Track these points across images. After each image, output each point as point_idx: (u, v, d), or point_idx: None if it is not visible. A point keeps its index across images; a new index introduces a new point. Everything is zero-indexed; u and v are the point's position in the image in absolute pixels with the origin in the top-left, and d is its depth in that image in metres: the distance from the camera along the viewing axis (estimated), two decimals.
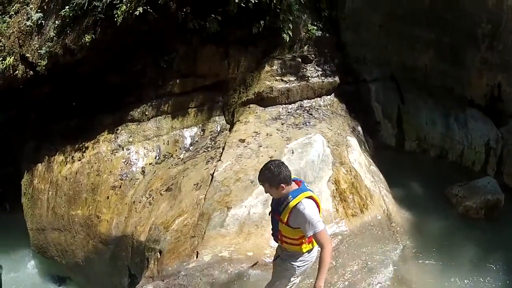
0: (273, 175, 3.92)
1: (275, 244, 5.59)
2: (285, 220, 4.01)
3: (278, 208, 4.10)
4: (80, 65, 7.73)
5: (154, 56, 7.74)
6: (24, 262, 9.68)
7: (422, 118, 8.87)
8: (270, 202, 5.88)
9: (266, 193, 4.20)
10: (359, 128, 7.99)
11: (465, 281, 6.10)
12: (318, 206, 4.07)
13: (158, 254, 6.23)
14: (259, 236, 5.79)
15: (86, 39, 7.17)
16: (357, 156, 7.15)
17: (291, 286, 4.41)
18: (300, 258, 4.24)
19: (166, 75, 7.66)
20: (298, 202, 3.93)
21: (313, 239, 4.07)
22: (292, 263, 4.26)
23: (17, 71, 7.55)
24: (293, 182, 4.05)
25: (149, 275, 6.15)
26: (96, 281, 8.08)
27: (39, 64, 7.42)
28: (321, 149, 6.69)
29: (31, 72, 7.68)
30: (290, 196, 3.97)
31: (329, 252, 3.89)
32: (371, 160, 7.50)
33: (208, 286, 5.43)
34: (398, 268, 5.97)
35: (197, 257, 5.75)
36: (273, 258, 4.74)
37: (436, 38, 8.49)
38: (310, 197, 4.01)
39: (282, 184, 3.93)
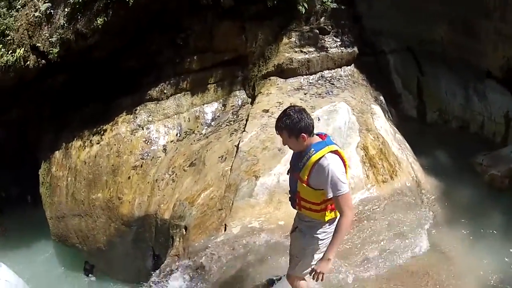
0: (293, 122, 3.31)
1: None
2: (305, 178, 3.41)
3: (298, 164, 3.49)
4: (94, 49, 7.64)
5: (170, 36, 7.65)
6: (46, 253, 9.63)
7: (441, 90, 8.70)
8: None
9: (284, 145, 3.55)
10: (381, 98, 7.84)
11: (496, 250, 5.88)
12: (344, 164, 3.45)
13: (184, 230, 6.07)
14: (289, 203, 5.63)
15: (98, 22, 7.06)
16: (383, 124, 7.01)
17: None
18: (320, 229, 3.59)
19: (183, 53, 7.56)
20: (322, 157, 3.32)
21: (331, 208, 3.52)
22: (315, 234, 3.62)
23: (28, 62, 7.46)
24: (316, 136, 3.45)
25: (175, 253, 5.99)
26: (119, 265, 7.98)
27: (50, 52, 7.33)
28: (346, 116, 6.55)
29: (43, 61, 7.59)
30: (313, 150, 3.36)
31: (349, 221, 3.38)
32: (395, 129, 7.36)
33: (238, 260, 5.25)
34: (431, 236, 5.79)
35: (225, 230, 5.59)
36: (290, 231, 4.12)
37: (449, 11, 8.33)
38: (336, 152, 3.38)
39: (303, 134, 3.32)
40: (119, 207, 7.26)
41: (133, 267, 7.65)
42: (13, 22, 7.27)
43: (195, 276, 5.41)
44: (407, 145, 7.19)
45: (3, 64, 7.28)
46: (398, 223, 5.74)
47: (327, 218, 3.53)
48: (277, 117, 3.47)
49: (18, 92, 8.22)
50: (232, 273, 5.14)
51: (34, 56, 7.51)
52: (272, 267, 5.04)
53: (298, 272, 3.89)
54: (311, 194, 3.46)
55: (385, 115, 7.32)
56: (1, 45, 7.28)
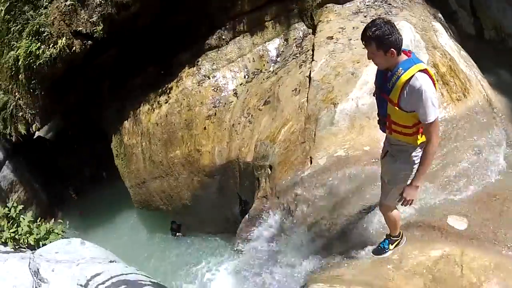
0: (384, 34, 3.05)
1: None
2: (396, 100, 3.23)
3: (386, 84, 3.28)
4: (138, 17, 7.64)
5: None
6: (130, 222, 10.05)
7: (493, 7, 8.40)
8: None
9: (368, 59, 3.29)
10: (440, 15, 7.61)
11: None
12: (434, 83, 3.20)
13: (269, 170, 6.05)
14: (373, 128, 5.38)
15: None
16: (447, 40, 6.80)
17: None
18: (413, 153, 3.44)
19: None
20: (412, 76, 3.11)
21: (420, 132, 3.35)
22: (407, 159, 3.47)
23: (74, 48, 7.52)
24: (402, 54, 3.21)
25: (262, 195, 6.00)
26: (207, 218, 8.16)
27: (95, 31, 7.34)
28: (411, 34, 6.37)
29: (90, 42, 7.62)
30: (401, 69, 3.15)
31: (435, 148, 3.28)
32: (459, 45, 7.14)
33: (329, 192, 5.19)
34: (508, 155, 5.55)
35: (311, 162, 5.51)
36: (380, 155, 3.97)
37: None
38: (425, 71, 3.16)
39: (392, 49, 3.09)
40: (199, 159, 7.36)
41: (221, 217, 7.81)
42: (45, 19, 7.33)
43: (286, 215, 5.45)
44: (473, 62, 6.97)
45: (47, 59, 7.40)
46: (476, 144, 5.55)
47: (419, 142, 3.38)
48: (364, 27, 3.18)
49: (72, 78, 8.35)
50: (324, 206, 5.12)
51: (79, 40, 7.56)
52: (362, 197, 4.99)
53: (391, 200, 3.82)
54: (403, 117, 3.29)
55: (446, 32, 7.10)
56: (39, 43, 7.36)
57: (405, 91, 3.17)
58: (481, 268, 3.92)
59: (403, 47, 3.22)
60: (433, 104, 3.12)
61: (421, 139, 3.37)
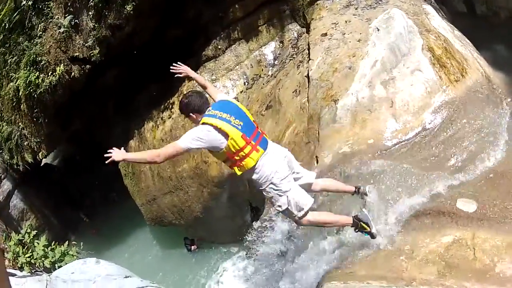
0: (182, 106, 4.25)
1: (394, 126, 5.37)
2: None
3: None
4: (134, 35, 7.66)
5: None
6: (143, 240, 10.09)
7: None
8: (373, 82, 5.73)
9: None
10: None
11: None
12: (218, 130, 3.90)
13: None
14: (375, 120, 5.45)
15: (128, 9, 7.01)
16: (439, 22, 6.77)
17: (295, 201, 4.14)
18: (254, 177, 4.08)
19: (223, 6, 7.49)
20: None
21: (241, 163, 3.99)
22: (257, 183, 4.13)
23: (73, 73, 7.60)
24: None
25: None
26: (219, 228, 8.17)
27: (92, 55, 7.38)
28: (403, 21, 6.36)
29: (88, 66, 7.69)
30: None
31: (151, 156, 3.91)
32: (452, 25, 7.13)
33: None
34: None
35: (317, 162, 5.52)
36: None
37: None
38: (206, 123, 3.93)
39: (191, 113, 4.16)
40: (207, 170, 7.34)
41: (233, 226, 7.80)
42: (40, 48, 7.41)
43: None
44: (468, 41, 6.95)
45: (47, 86, 7.49)
46: (478, 123, 5.51)
47: (247, 167, 4.02)
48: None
49: (74, 103, 8.45)
50: (336, 205, 5.11)
51: (77, 65, 7.62)
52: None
53: (292, 212, 4.25)
54: (217, 155, 4.16)
55: (438, 13, 7.10)
56: (38, 72, 7.47)
57: None
58: (493, 249, 3.89)
59: None
60: (189, 137, 3.89)
61: (248, 163, 3.98)
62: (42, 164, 11.00)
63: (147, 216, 9.04)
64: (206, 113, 4.03)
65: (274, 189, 4.08)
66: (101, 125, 9.53)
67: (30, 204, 11.02)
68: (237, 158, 3.96)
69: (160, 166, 8.07)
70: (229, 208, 7.58)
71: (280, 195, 4.08)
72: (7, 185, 10.64)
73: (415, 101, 5.47)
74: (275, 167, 4.05)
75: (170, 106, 7.88)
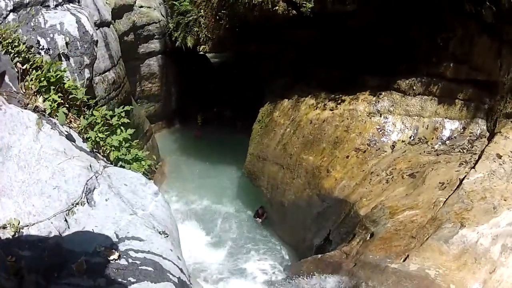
0: None
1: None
2: None
3: None
4: (350, 18, 7.49)
5: (429, 29, 7.14)
6: (231, 179, 10.57)
7: None
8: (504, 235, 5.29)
9: None
10: None
11: None
12: None
13: (368, 236, 5.95)
14: (471, 272, 5.09)
15: None
16: None
17: None
18: None
19: (440, 55, 7.11)
20: None
21: None
22: None
23: (277, 7, 7.59)
24: None
25: (347, 250, 6.01)
26: (289, 226, 8.32)
27: (304, 5, 7.32)
28: None
29: (294, 11, 7.65)
30: None
31: None
32: None
33: None
34: None
35: (404, 260, 5.29)
36: None
37: None
38: None
39: None
40: (324, 178, 7.32)
41: (301, 235, 7.90)
42: None
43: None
44: None
45: (248, 1, 7.61)
46: None
47: None
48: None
49: (261, 30, 8.50)
50: None
51: (285, 4, 7.61)
52: None
53: None
54: None
55: None
56: None
57: None
58: None
59: None
60: None
61: None
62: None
63: (247, 166, 9.28)
64: None
65: None
66: (270, 66, 9.58)
67: (163, 74, 12.21)
68: None
69: (292, 140, 8.16)
70: (311, 221, 7.58)
71: None
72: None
73: None
74: None
75: (339, 101, 7.81)
